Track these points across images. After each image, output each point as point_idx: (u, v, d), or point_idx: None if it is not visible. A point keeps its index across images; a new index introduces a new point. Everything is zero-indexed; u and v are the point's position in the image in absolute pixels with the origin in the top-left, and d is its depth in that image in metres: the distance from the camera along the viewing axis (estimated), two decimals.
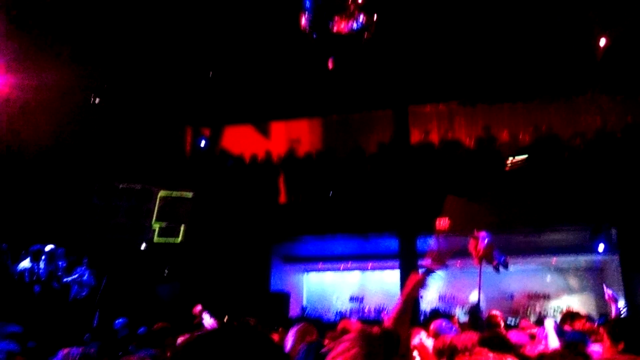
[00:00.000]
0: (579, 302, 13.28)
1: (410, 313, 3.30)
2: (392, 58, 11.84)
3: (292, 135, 15.51)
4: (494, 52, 11.75)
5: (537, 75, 11.95)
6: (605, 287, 7.37)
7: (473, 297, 13.56)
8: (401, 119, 12.54)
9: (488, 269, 8.98)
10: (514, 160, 11.41)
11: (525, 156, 11.44)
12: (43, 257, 10.02)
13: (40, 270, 9.94)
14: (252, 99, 13.55)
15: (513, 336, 4.58)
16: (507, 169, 11.38)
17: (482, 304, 8.57)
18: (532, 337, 5.04)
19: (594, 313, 12.13)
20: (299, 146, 14.52)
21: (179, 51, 12.04)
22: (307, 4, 6.57)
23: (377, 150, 13.23)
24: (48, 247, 10.15)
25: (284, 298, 12.35)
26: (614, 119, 12.18)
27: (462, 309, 13.62)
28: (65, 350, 3.93)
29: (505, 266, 8.42)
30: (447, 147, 12.78)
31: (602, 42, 10.77)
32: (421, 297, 12.18)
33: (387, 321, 3.15)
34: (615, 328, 4.06)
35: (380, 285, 14.78)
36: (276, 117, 15.01)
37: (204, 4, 11.23)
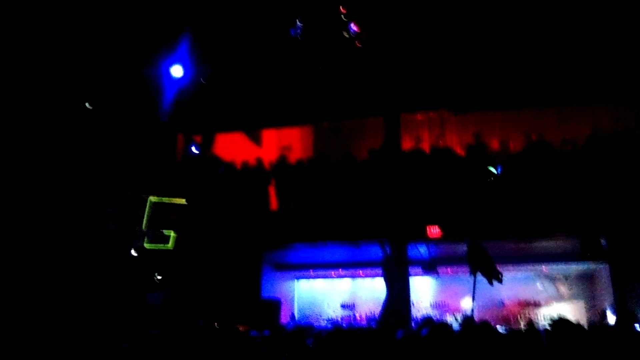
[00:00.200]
0: (569, 310, 13.33)
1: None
2: (383, 66, 11.88)
3: (284, 142, 15.49)
4: (485, 60, 11.81)
5: (529, 82, 12.02)
6: None
7: (465, 304, 13.60)
8: (392, 126, 12.56)
9: (480, 277, 9.02)
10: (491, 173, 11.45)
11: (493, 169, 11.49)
12: None
13: None
14: (243, 107, 13.54)
15: None
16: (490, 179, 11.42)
17: (474, 312, 8.60)
18: None
19: (584, 321, 12.19)
20: (290, 153, 14.50)
21: (171, 59, 12.03)
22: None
23: (368, 157, 13.23)
24: None
25: (274, 305, 12.30)
26: (606, 127, 12.24)
27: (454, 316, 13.64)
28: None
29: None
30: (438, 154, 12.80)
31: None
32: (413, 303, 12.20)
33: None
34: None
35: (372, 292, 14.77)
36: (268, 124, 15.00)
37: (195, 12, 11.24)
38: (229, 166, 14.01)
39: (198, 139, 14.51)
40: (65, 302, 10.70)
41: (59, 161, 11.71)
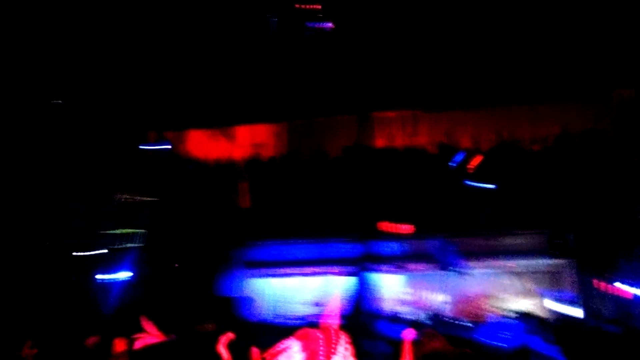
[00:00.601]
0: (535, 305, 13.51)
1: None
2: (356, 64, 11.91)
3: (256, 139, 15.42)
4: (456, 59, 11.92)
5: (501, 81, 12.16)
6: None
7: (435, 300, 13.68)
8: (365, 124, 12.60)
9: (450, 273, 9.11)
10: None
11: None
12: None
13: None
14: (216, 103, 13.46)
15: None
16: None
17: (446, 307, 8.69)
18: None
19: (550, 315, 12.36)
20: (263, 150, 14.45)
21: (142, 55, 11.90)
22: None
23: (341, 154, 13.26)
24: None
25: (244, 303, 12.24)
26: (575, 126, 12.43)
27: (424, 312, 13.71)
28: None
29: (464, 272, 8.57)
30: (410, 151, 12.88)
31: None
32: (382, 300, 12.23)
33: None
34: None
35: (343, 290, 14.77)
36: (240, 121, 14.92)
37: (167, 9, 11.14)
38: (200, 163, 13.90)
39: (169, 135, 14.37)
40: (31, 302, 10.52)
41: (28, 158, 11.51)
